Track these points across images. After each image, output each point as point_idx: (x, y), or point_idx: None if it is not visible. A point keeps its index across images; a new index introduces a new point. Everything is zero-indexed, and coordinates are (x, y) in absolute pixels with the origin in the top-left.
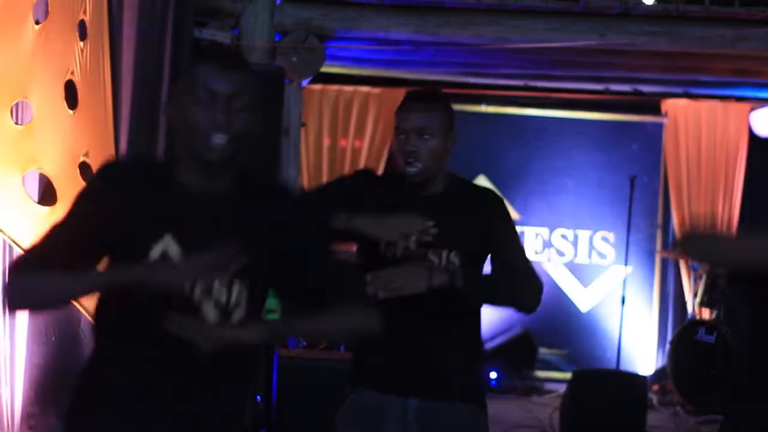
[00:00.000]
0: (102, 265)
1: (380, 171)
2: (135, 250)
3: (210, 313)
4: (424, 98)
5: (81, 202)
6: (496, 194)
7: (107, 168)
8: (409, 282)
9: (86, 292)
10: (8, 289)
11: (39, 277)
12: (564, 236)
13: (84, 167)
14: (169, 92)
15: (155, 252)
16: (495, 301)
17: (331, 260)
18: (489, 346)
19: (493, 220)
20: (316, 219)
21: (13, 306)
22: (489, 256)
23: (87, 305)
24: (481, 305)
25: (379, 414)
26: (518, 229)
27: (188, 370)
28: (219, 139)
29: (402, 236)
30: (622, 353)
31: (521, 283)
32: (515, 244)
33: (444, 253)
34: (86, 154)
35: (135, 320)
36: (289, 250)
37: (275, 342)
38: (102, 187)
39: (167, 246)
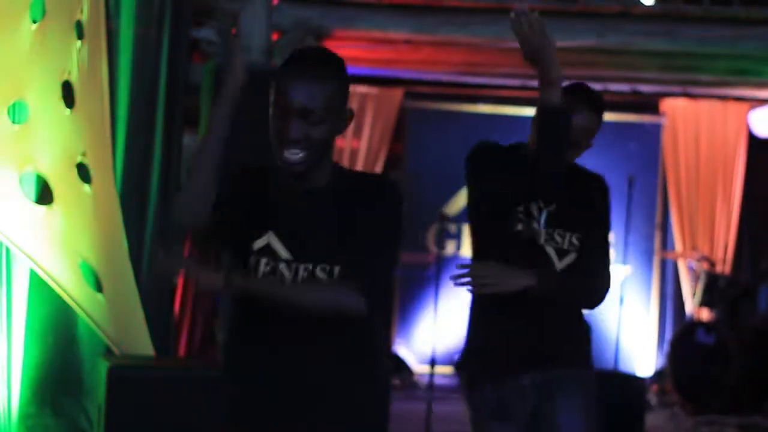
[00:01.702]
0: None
1: (379, 170)
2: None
3: None
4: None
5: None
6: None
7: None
8: (503, 281)
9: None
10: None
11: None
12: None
13: (81, 167)
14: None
15: (258, 244)
16: (564, 300)
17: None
18: None
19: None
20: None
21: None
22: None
23: (84, 305)
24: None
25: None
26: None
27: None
28: (292, 154)
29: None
30: (621, 354)
31: (592, 286)
32: (603, 230)
33: (567, 235)
34: (83, 154)
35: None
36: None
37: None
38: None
39: (270, 240)
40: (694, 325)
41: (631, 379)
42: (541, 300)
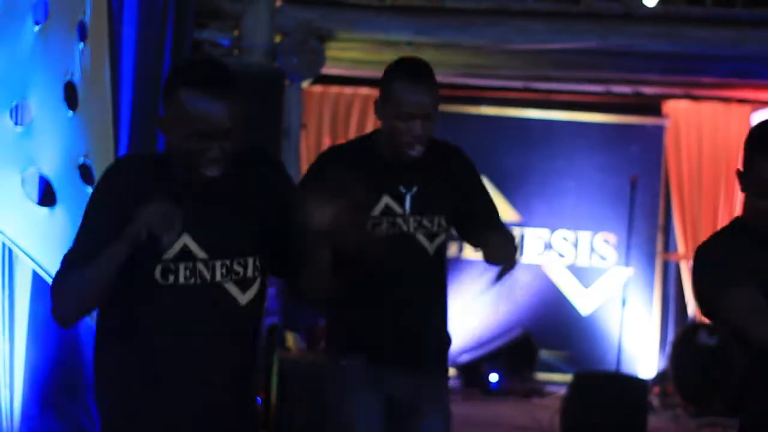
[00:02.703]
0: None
1: None
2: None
3: (232, 289)
4: (424, 74)
5: (97, 206)
6: (458, 149)
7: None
8: None
9: (113, 262)
10: (53, 300)
11: (71, 275)
12: (565, 238)
13: (84, 169)
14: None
15: (176, 248)
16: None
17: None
18: (489, 348)
19: (463, 177)
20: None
21: (62, 315)
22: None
23: None
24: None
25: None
26: (519, 230)
27: None
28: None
29: None
30: (623, 355)
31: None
32: (487, 197)
33: (435, 219)
34: (86, 155)
35: None
36: (278, 212)
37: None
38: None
39: (185, 240)
40: (697, 326)
41: (634, 381)
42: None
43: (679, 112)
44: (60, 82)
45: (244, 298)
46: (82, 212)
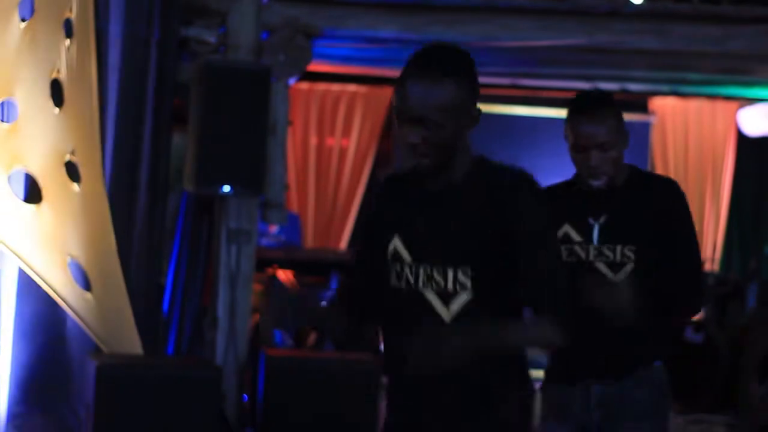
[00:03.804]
0: None
1: (366, 172)
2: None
3: (432, 299)
4: (596, 106)
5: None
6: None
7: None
8: None
9: None
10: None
11: None
12: None
13: (70, 166)
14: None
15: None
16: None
17: (544, 259)
18: None
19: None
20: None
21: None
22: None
23: (73, 304)
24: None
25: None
26: None
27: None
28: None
29: None
30: None
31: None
32: (682, 233)
33: (618, 248)
34: (72, 153)
35: None
36: (505, 235)
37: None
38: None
39: (395, 244)
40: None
41: None
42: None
43: (665, 109)
44: (46, 79)
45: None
46: (68, 209)
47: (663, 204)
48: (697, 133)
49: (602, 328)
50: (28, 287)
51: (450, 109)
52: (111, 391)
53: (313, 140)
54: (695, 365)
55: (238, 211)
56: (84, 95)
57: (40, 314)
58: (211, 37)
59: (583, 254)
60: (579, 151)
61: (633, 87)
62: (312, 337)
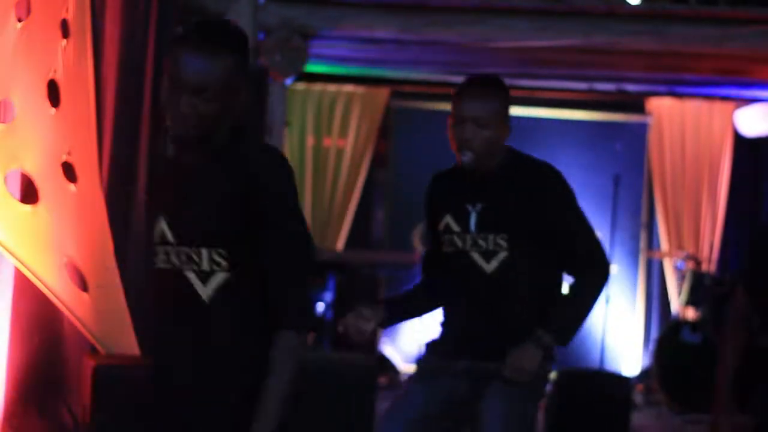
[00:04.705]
0: None
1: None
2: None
3: (193, 279)
4: (481, 85)
5: None
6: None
7: None
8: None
9: None
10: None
11: None
12: None
13: (66, 166)
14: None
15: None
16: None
17: (284, 236)
18: None
19: (547, 199)
20: (277, 191)
21: None
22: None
23: (70, 304)
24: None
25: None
26: None
27: None
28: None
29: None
30: (607, 353)
31: (594, 283)
32: (573, 223)
33: (491, 237)
34: (69, 153)
35: None
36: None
37: None
38: None
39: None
40: (680, 323)
41: (617, 379)
42: (499, 299)
43: (662, 109)
44: (43, 79)
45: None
46: (64, 209)
47: (535, 189)
48: (694, 134)
49: (481, 317)
50: (24, 287)
51: (223, 84)
52: (108, 391)
53: (310, 141)
54: (692, 365)
55: None
56: (81, 96)
57: (37, 314)
58: None
59: (460, 243)
60: (455, 124)
61: (630, 87)
62: (310, 337)
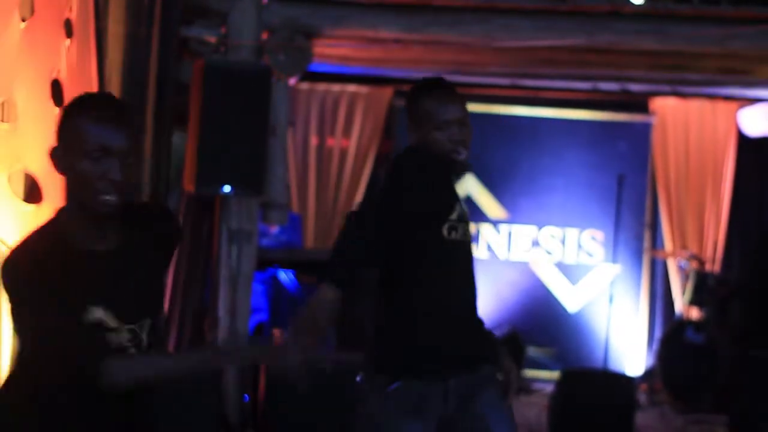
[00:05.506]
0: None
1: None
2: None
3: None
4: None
5: None
6: None
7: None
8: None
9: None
10: None
11: None
12: (552, 235)
13: None
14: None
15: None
16: None
17: None
18: None
19: None
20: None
21: None
22: None
23: None
24: None
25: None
26: (507, 227)
27: None
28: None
29: None
30: (610, 352)
31: None
32: None
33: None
34: None
35: None
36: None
37: None
38: None
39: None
40: (684, 323)
41: (621, 378)
42: (462, 307)
43: (666, 109)
44: (46, 79)
45: None
46: None
47: None
48: (697, 134)
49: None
50: None
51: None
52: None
53: (314, 141)
54: (696, 365)
55: (239, 212)
56: None
57: None
58: (211, 37)
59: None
60: (440, 128)
61: (633, 87)
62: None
